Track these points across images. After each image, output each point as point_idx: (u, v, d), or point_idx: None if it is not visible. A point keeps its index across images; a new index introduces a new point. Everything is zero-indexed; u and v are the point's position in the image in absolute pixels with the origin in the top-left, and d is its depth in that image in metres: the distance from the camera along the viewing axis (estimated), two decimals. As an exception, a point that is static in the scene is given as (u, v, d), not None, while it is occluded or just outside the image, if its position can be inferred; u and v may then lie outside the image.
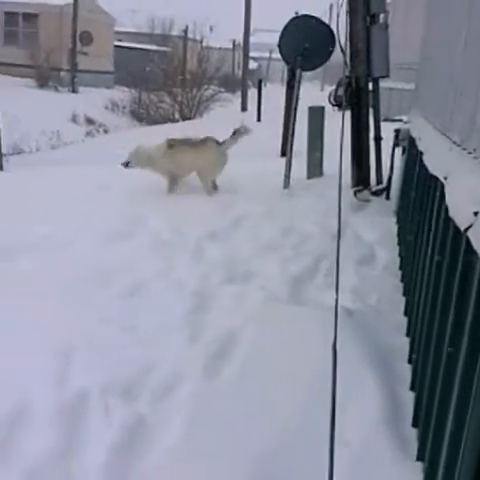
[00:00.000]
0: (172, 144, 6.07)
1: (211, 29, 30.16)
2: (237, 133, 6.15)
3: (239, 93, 23.19)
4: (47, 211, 5.28)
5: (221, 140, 6.14)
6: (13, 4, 23.81)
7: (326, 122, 6.98)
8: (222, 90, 22.74)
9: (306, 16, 6.76)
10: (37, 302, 3.41)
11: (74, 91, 22.69)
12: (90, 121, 19.63)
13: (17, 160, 11.20)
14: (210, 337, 3.02)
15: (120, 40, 28.12)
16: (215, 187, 6.12)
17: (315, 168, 6.93)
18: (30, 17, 23.65)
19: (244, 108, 21.38)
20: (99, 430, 2.36)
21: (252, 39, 22.77)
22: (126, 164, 6.01)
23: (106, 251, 4.41)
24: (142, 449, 2.27)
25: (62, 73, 22.72)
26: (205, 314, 3.32)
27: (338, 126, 6.23)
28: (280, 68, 52.16)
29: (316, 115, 6.91)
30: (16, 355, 2.81)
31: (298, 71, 6.45)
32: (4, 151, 10.03)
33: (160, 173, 6.06)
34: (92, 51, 24.14)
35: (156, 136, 13.27)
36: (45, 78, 21.79)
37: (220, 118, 18.42)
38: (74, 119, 18.93)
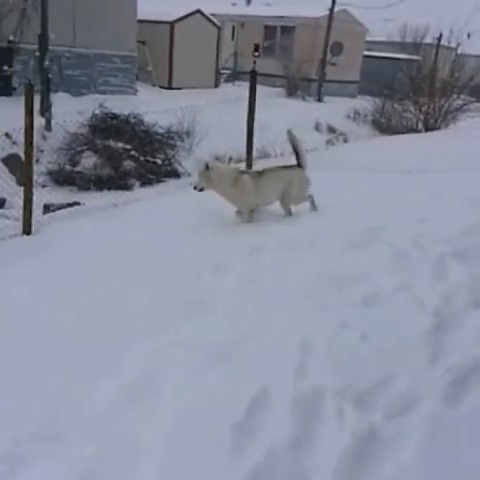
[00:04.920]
0: (260, 171, 5.61)
1: (469, 36, 28.24)
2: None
3: (492, 103, 21.30)
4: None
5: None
6: (272, 18, 25.64)
7: None
8: (473, 100, 21.17)
9: None
10: (282, 293, 3.69)
11: (319, 100, 23.48)
12: (331, 129, 20.08)
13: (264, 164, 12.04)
14: (452, 362, 2.84)
15: (370, 49, 28.18)
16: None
17: None
18: (287, 30, 25.19)
19: (497, 119, 19.57)
20: (332, 432, 2.41)
21: (516, 44, 20.68)
22: (200, 188, 5.38)
23: (343, 258, 4.48)
24: (374, 461, 2.25)
25: (311, 82, 23.70)
26: (447, 337, 3.14)
27: None
28: None
29: None
30: (261, 339, 3.05)
31: None
32: (254, 155, 10.85)
33: (239, 201, 5.53)
34: (341, 61, 24.65)
35: (395, 145, 13.06)
36: (294, 88, 22.98)
37: (467, 130, 17.21)
38: (317, 127, 19.57)
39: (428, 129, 18.85)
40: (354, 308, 3.54)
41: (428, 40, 29.40)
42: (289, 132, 5.71)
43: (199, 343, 3.06)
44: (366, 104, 21.39)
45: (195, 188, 5.40)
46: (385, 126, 20.58)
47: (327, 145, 18.37)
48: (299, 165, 5.65)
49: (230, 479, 2.18)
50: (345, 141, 19.35)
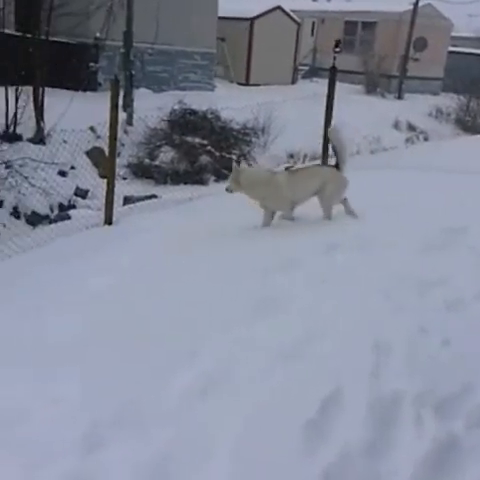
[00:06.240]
0: (293, 171, 5.36)
1: None
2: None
3: None
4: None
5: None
6: (353, 13, 25.16)
7: None
8: None
9: None
10: (358, 294, 3.60)
11: (400, 97, 22.79)
12: (411, 128, 19.46)
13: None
14: None
15: (455, 45, 27.02)
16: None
17: None
18: (368, 25, 24.64)
19: None
20: (410, 438, 2.32)
21: None
22: (230, 190, 5.29)
23: (421, 259, 4.33)
24: (454, 471, 2.16)
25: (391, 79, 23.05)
26: None
27: None
28: None
29: None
30: (335, 339, 3.00)
31: None
32: (330, 153, 10.70)
33: (277, 203, 5.34)
34: (424, 57, 23.81)
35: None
36: (374, 84, 22.42)
37: None
38: (396, 125, 19.03)
39: (516, 129, 17.90)
40: (434, 312, 3.41)
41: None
42: (331, 131, 5.57)
43: (272, 340, 3.03)
44: (450, 102, 20.58)
45: (227, 190, 5.38)
46: (470, 125, 19.75)
47: (406, 143, 17.84)
48: (336, 166, 5.42)
49: (302, 477, 2.15)
50: (426, 140, 18.73)
